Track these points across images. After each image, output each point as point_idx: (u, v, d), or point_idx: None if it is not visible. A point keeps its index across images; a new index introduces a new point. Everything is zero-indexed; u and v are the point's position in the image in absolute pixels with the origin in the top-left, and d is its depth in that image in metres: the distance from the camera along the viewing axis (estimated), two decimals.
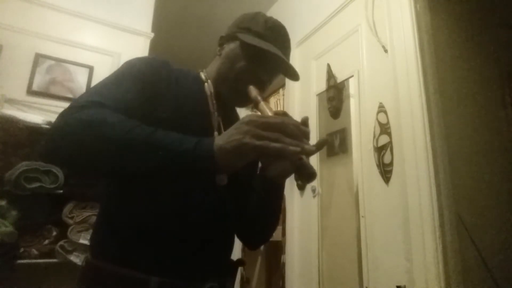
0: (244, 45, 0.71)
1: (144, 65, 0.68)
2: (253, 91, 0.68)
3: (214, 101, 0.73)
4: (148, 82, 0.65)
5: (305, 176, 0.51)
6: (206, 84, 0.75)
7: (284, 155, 0.49)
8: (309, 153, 0.51)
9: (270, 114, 0.59)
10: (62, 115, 0.54)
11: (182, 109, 0.67)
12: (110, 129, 0.51)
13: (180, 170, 0.52)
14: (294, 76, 0.76)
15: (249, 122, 0.50)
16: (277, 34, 0.74)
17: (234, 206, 0.73)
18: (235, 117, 0.81)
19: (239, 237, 0.80)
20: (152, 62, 0.70)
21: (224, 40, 0.77)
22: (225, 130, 0.58)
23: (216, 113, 0.72)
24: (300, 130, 0.52)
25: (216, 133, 0.70)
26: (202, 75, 0.77)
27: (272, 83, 0.79)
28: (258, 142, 0.48)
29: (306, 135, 0.53)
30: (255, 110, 0.67)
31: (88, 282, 0.63)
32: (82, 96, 0.59)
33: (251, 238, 0.82)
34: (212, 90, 0.74)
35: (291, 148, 0.48)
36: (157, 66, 0.69)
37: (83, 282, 0.64)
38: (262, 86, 0.73)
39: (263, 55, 0.70)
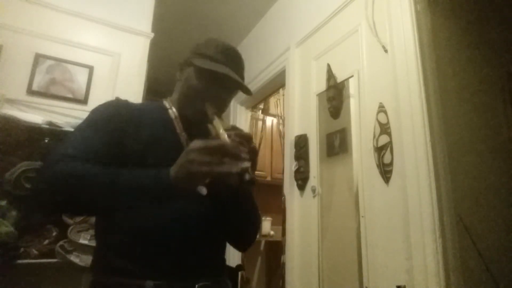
0: (198, 69, 0.80)
1: (107, 110, 0.78)
2: (209, 109, 0.76)
3: (180, 123, 0.83)
4: (113, 123, 0.75)
5: (246, 184, 0.58)
6: (170, 110, 0.84)
7: (227, 175, 0.58)
8: (245, 170, 0.59)
9: (221, 130, 0.68)
10: (43, 170, 0.66)
11: (148, 137, 0.76)
12: (82, 181, 0.62)
13: (148, 201, 0.63)
14: (247, 91, 0.83)
15: (194, 150, 0.59)
16: (228, 56, 0.82)
17: (216, 213, 0.80)
18: (203, 132, 0.86)
19: (227, 241, 0.87)
20: (114, 104, 0.80)
21: (182, 66, 0.86)
22: None
23: (184, 132, 0.82)
24: (239, 143, 0.63)
25: None
26: (166, 103, 0.86)
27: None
28: (204, 169, 0.57)
29: (247, 142, 0.64)
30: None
31: None
32: (57, 149, 0.69)
33: (236, 240, 0.89)
34: (177, 114, 0.84)
35: (233, 170, 0.58)
36: (119, 108, 0.79)
37: None
38: (220, 103, 0.82)
39: (215, 75, 0.78)
